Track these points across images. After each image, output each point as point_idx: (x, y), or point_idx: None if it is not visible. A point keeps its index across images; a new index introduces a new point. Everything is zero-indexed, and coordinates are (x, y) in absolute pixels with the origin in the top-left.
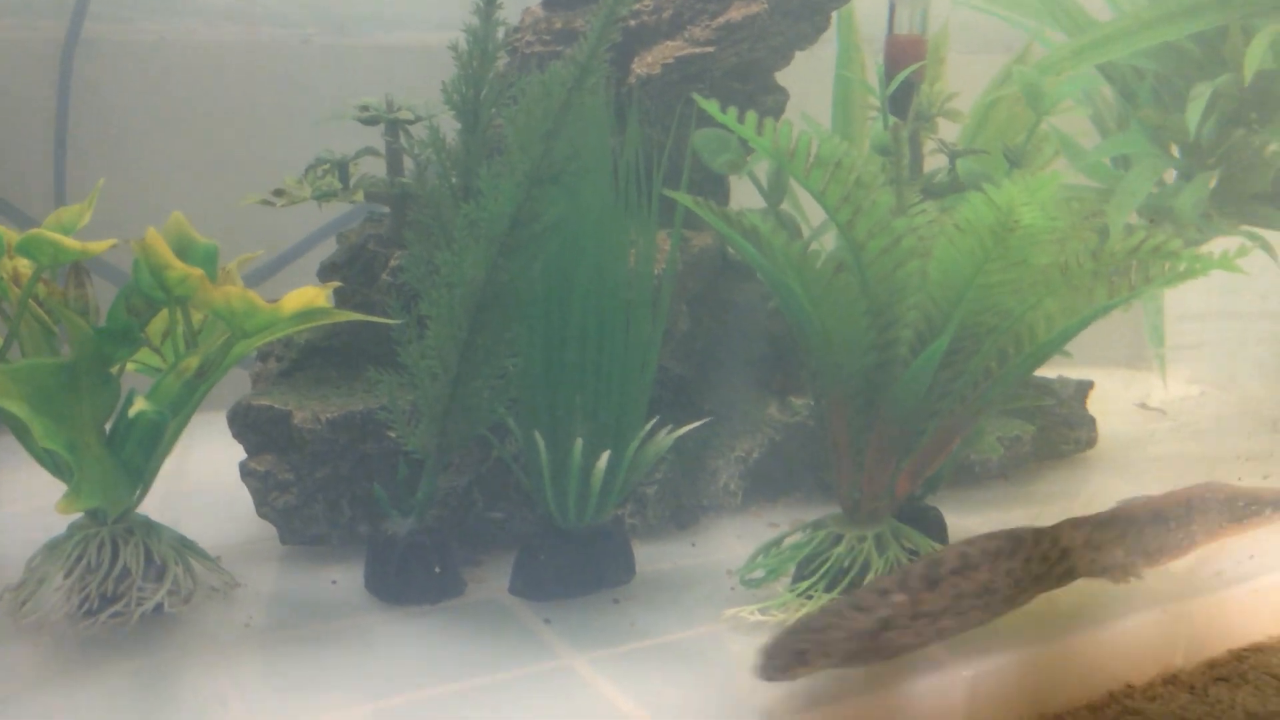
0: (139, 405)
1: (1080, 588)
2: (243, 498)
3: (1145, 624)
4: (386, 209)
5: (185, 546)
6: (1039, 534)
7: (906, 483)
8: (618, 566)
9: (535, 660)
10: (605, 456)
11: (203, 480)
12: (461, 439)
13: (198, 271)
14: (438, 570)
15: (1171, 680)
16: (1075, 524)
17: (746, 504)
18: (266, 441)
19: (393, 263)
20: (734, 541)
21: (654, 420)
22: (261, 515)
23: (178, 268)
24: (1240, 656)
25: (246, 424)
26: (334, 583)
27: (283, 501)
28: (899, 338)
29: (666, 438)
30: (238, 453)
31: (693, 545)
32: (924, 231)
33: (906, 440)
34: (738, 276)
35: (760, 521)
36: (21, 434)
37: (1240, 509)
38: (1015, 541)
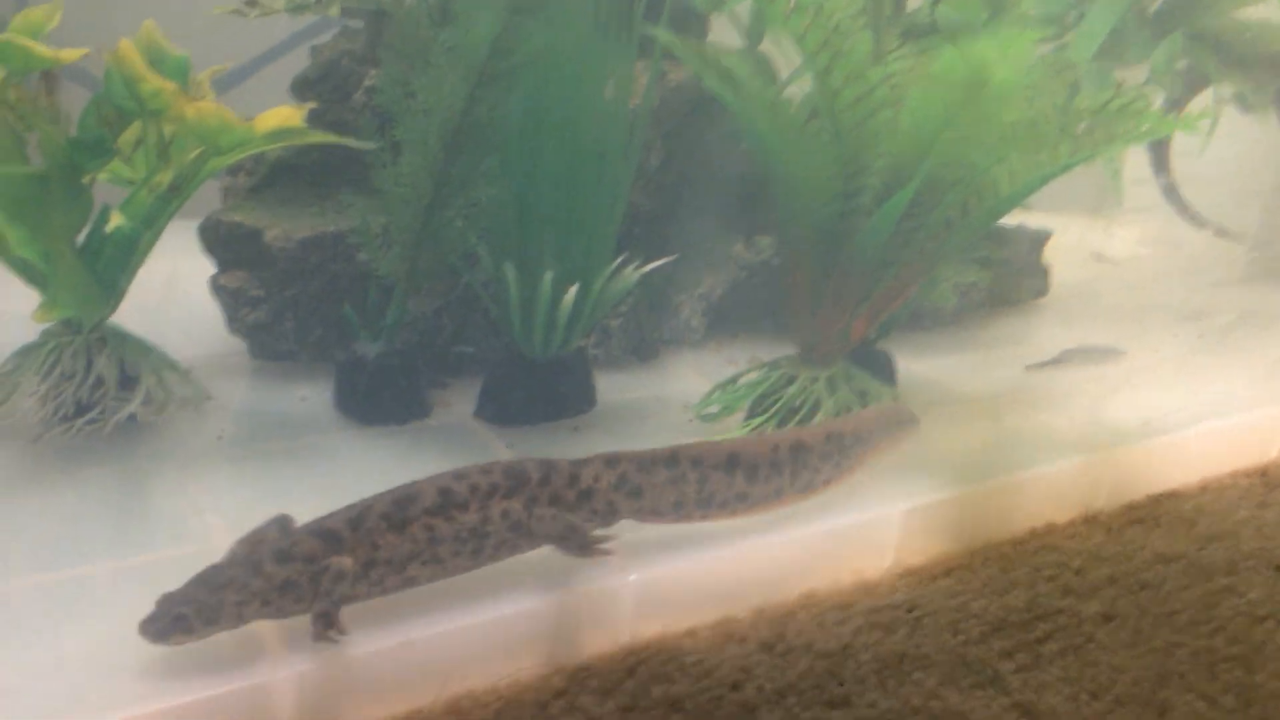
0: (115, 220)
1: (1022, 431)
2: (214, 312)
3: (1072, 467)
4: (360, 23)
5: (157, 358)
6: (548, 471)
7: (861, 327)
8: (580, 397)
9: None
10: (573, 290)
11: (174, 293)
12: (432, 266)
13: (171, 85)
14: (404, 391)
15: (1091, 520)
16: (608, 460)
17: (707, 340)
18: (237, 258)
19: (367, 82)
20: (693, 375)
21: (622, 256)
22: (232, 331)
23: (151, 80)
24: (1157, 501)
25: (217, 239)
26: (303, 400)
27: (253, 318)
28: (865, 186)
29: (633, 273)
30: (208, 266)
31: (652, 378)
32: (898, 80)
33: (864, 287)
34: (712, 113)
35: (719, 358)
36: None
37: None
38: (516, 478)
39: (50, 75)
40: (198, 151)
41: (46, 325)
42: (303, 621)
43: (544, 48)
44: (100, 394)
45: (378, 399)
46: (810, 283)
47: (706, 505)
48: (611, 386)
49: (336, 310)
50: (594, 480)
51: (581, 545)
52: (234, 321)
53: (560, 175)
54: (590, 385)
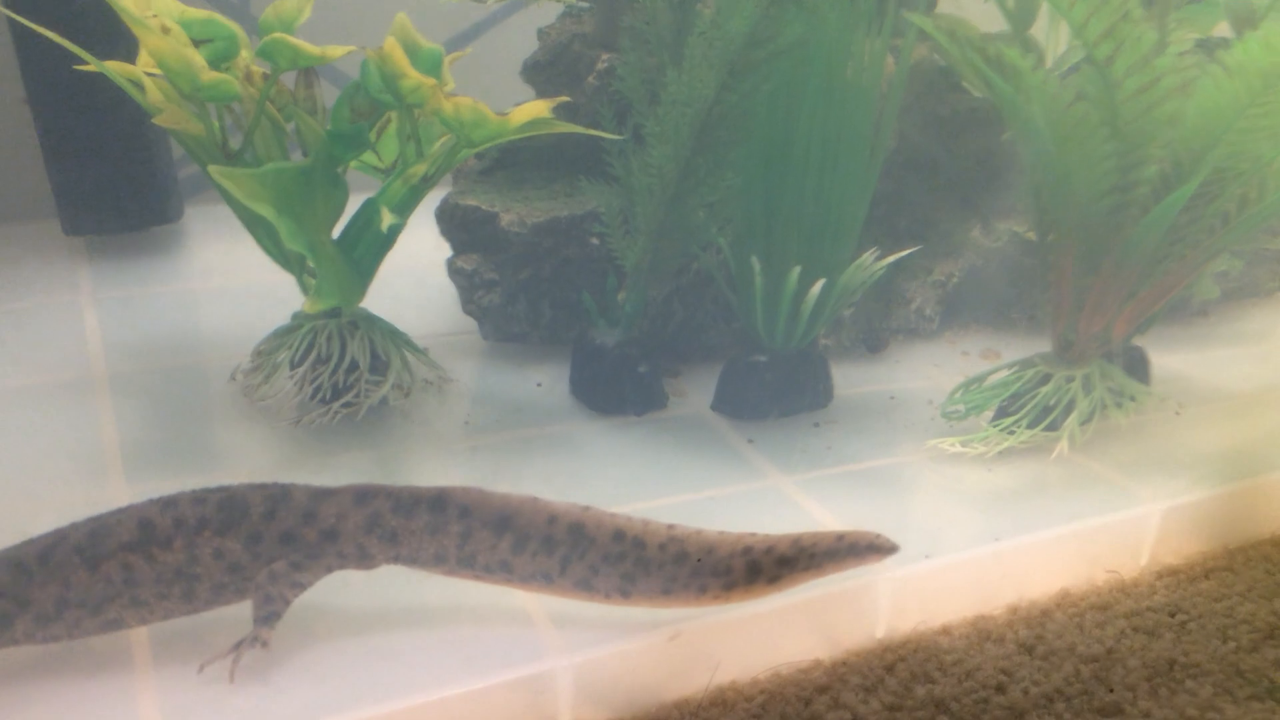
0: (389, 218)
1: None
2: (446, 292)
3: None
4: (587, 4)
5: (401, 340)
6: (274, 504)
7: (1124, 325)
8: (817, 390)
9: (743, 479)
10: (820, 284)
11: (407, 272)
12: (674, 256)
13: (431, 81)
14: (643, 381)
15: None
16: (359, 496)
17: (940, 330)
18: (472, 240)
19: (600, 65)
20: (928, 368)
21: (872, 251)
22: (467, 312)
23: (412, 76)
24: None
25: (454, 222)
26: (539, 385)
27: (487, 300)
28: (1142, 178)
29: (877, 264)
30: (427, 245)
31: (885, 371)
32: (1186, 73)
33: (1132, 283)
34: (945, 89)
35: (953, 350)
36: (257, 232)
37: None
38: (234, 511)
39: (309, 70)
40: (447, 140)
41: (297, 309)
42: (580, 609)
43: (800, 36)
44: (354, 377)
45: (616, 388)
46: (1075, 278)
47: (469, 565)
48: (844, 379)
49: (567, 294)
50: (336, 520)
51: (264, 619)
52: (469, 303)
53: (810, 165)
54: (828, 378)
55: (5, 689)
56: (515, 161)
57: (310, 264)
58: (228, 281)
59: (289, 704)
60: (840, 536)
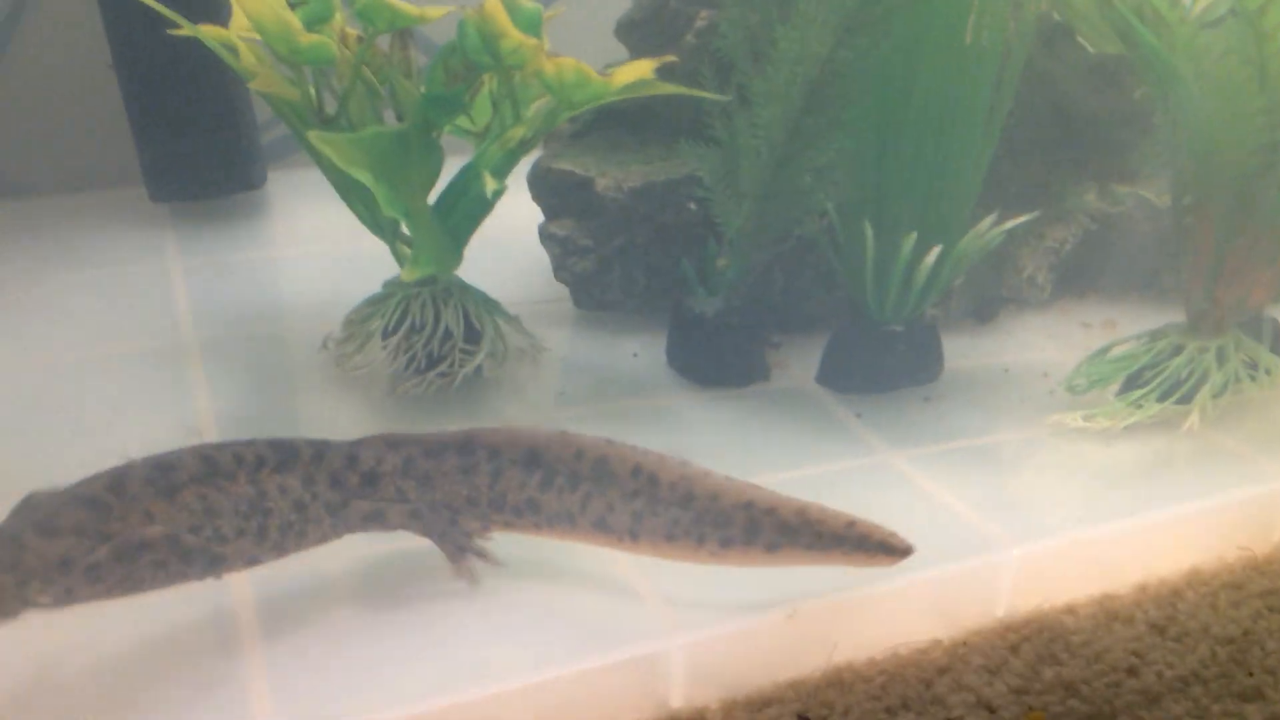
0: (492, 184)
1: None
2: (536, 258)
3: None
4: None
5: (494, 308)
6: (318, 448)
7: (1262, 293)
8: (927, 363)
9: (853, 454)
10: (935, 252)
11: (496, 238)
12: (779, 222)
13: (533, 41)
14: (745, 352)
15: None
16: (390, 442)
17: (1053, 300)
18: (565, 205)
19: (698, 23)
20: (1041, 340)
21: (991, 215)
22: (559, 279)
23: (513, 36)
24: None
25: (547, 187)
26: (635, 356)
27: (580, 267)
28: None
29: (994, 232)
30: (520, 208)
31: (996, 342)
32: None
33: (1276, 249)
34: (1060, 45)
35: (1069, 320)
36: (350, 197)
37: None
38: (286, 453)
39: (404, 31)
40: (545, 102)
41: (388, 277)
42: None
43: None
44: (448, 346)
45: (717, 359)
46: (1214, 243)
47: (499, 507)
48: (954, 351)
49: (663, 261)
50: (376, 463)
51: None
52: (561, 270)
53: (928, 126)
54: (938, 351)
55: (111, 668)
56: (608, 123)
57: (405, 231)
58: (314, 248)
59: (395, 684)
60: (851, 523)
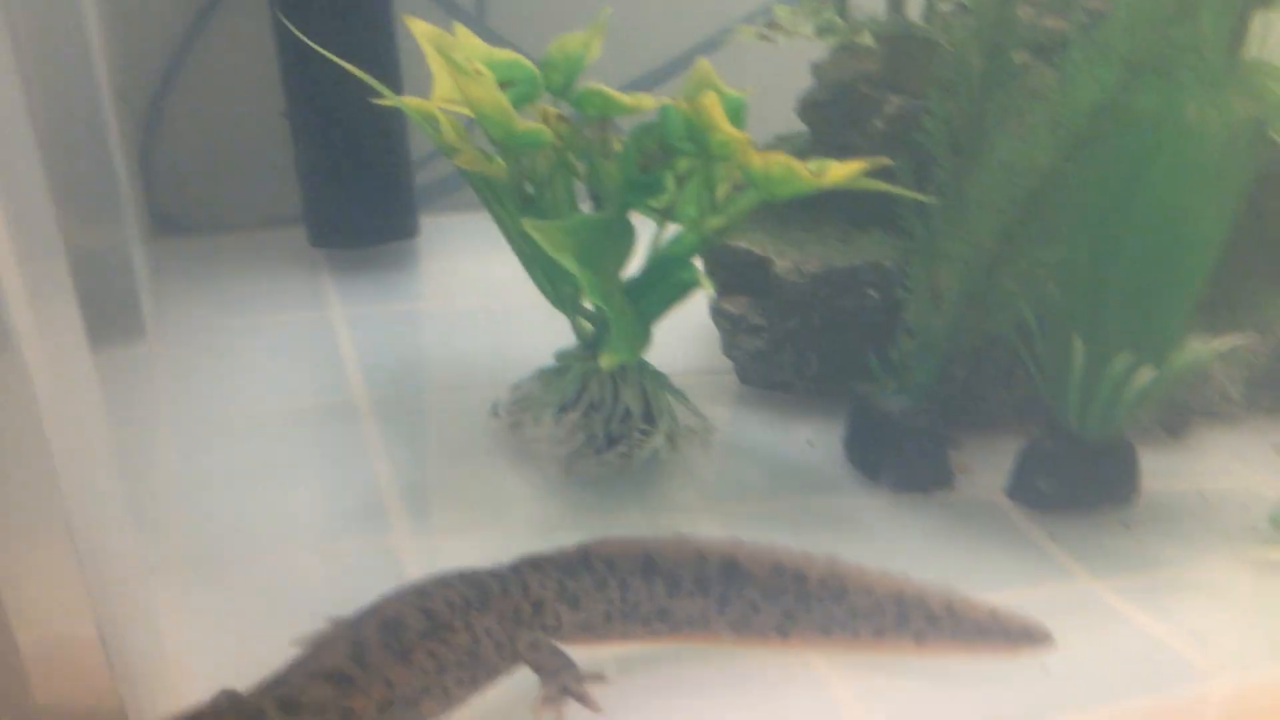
0: (708, 286)
1: None
2: (698, 327)
3: None
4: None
5: (666, 385)
6: (503, 582)
7: None
8: (1123, 483)
9: (1050, 579)
10: (1148, 370)
11: None
12: (976, 326)
13: (744, 136)
14: (931, 456)
15: None
16: (534, 564)
17: (1246, 414)
18: (739, 283)
19: (887, 109)
20: (1236, 464)
21: (1205, 334)
22: (728, 355)
23: (725, 131)
24: None
25: (721, 264)
26: (810, 445)
27: (752, 346)
28: None
29: (1207, 349)
30: None
31: (1187, 461)
32: None
33: None
34: (1256, 143)
35: (1263, 441)
36: (533, 271)
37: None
38: (480, 590)
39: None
40: (741, 191)
41: (561, 349)
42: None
43: (1154, 106)
44: (627, 426)
45: (903, 461)
46: None
47: (633, 617)
48: (1145, 469)
49: (836, 346)
50: (541, 588)
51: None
52: (731, 348)
53: (1151, 239)
54: (1136, 470)
55: None
56: (780, 201)
57: (587, 306)
58: (471, 301)
59: None
60: (994, 612)
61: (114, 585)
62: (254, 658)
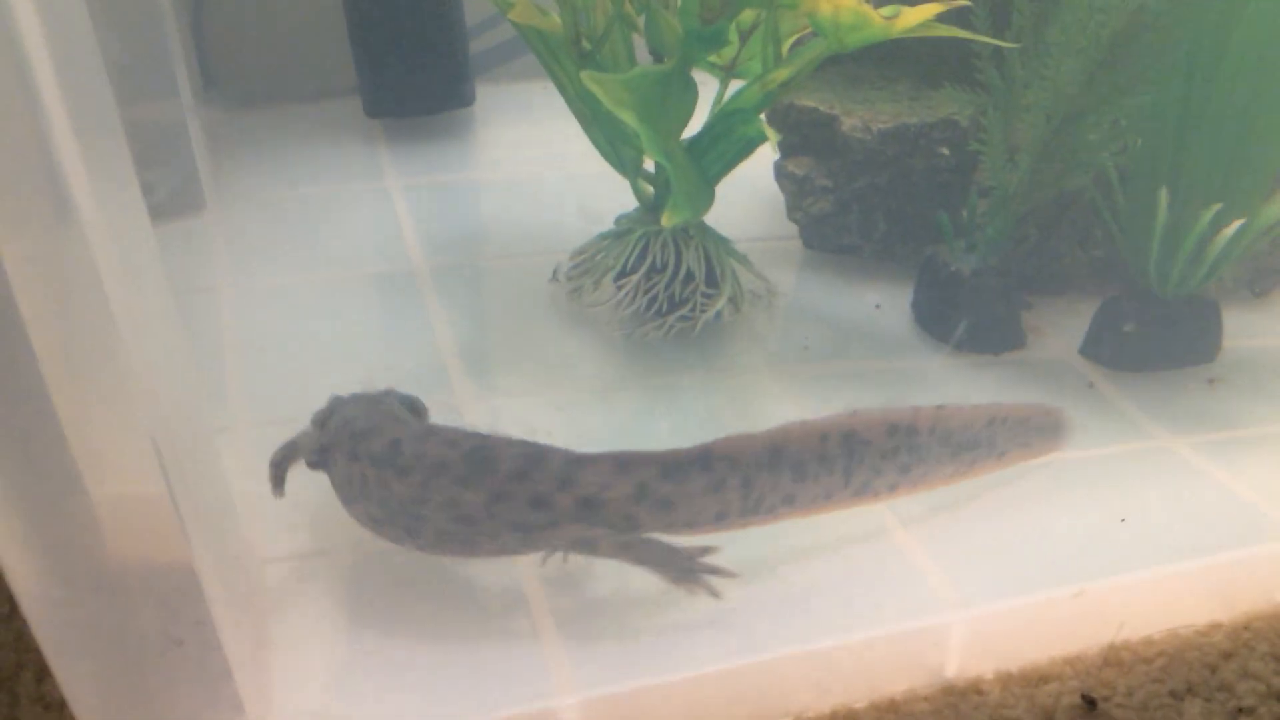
0: (773, 136)
1: None
2: (764, 193)
3: None
4: None
5: (729, 249)
6: (528, 463)
7: None
8: (1205, 342)
9: (1125, 437)
10: (1238, 224)
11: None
12: (1054, 181)
13: None
14: (1003, 317)
15: None
16: (620, 464)
17: None
18: (804, 143)
19: None
20: None
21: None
22: (792, 219)
23: None
24: None
25: (786, 124)
26: (878, 308)
27: (817, 208)
28: None
29: None
30: None
31: (1273, 320)
32: None
33: None
34: None
35: None
36: (593, 131)
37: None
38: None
39: None
40: (806, 43)
41: (621, 213)
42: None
43: None
44: (690, 289)
45: (972, 322)
46: None
47: (754, 512)
48: (1229, 328)
49: (904, 206)
50: (599, 489)
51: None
52: (795, 210)
53: (1242, 85)
54: (1218, 329)
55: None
56: (850, 56)
57: (648, 168)
58: (527, 169)
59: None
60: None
61: (182, 444)
62: (318, 516)
